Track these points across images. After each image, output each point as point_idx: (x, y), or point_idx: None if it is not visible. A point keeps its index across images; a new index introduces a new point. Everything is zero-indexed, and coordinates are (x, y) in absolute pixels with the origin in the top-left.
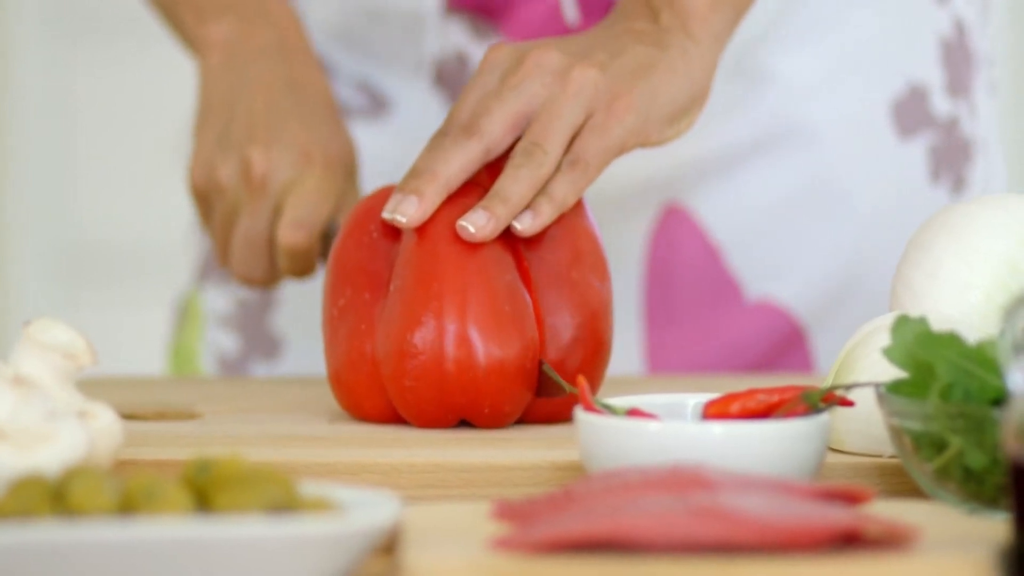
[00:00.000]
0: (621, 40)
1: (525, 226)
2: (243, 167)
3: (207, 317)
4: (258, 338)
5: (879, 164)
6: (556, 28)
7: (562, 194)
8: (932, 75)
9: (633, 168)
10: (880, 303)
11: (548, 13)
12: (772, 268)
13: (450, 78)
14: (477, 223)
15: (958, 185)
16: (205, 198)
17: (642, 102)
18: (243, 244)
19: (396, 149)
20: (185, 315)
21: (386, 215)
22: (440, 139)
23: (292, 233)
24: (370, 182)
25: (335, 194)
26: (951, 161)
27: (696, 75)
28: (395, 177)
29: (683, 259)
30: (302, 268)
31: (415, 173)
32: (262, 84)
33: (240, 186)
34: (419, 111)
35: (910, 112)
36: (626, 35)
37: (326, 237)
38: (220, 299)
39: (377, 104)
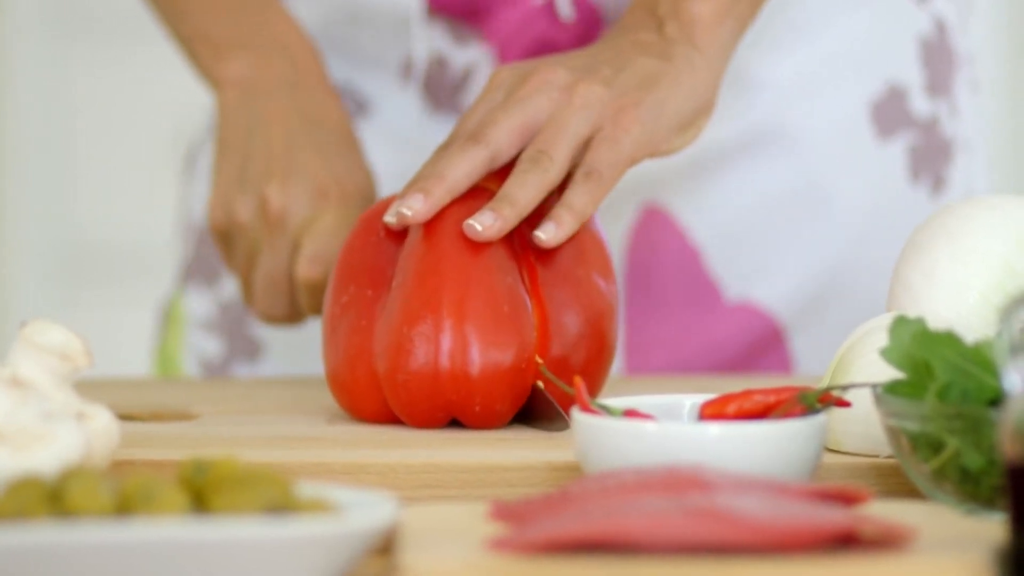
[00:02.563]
0: (626, 53)
1: (549, 235)
2: (261, 204)
3: (189, 321)
4: (240, 341)
5: (859, 165)
6: (537, 31)
7: (581, 204)
8: (911, 75)
9: None
10: (860, 303)
11: (529, 16)
12: (752, 270)
13: (431, 81)
14: (484, 222)
15: (938, 185)
16: (226, 237)
17: (648, 114)
18: (264, 282)
19: (378, 151)
20: (168, 319)
21: (388, 218)
22: (445, 149)
23: (310, 268)
24: None
25: (351, 228)
26: (931, 161)
27: (701, 85)
28: (377, 177)
29: (663, 260)
30: (322, 304)
31: (422, 176)
32: (278, 120)
33: (259, 224)
34: (400, 114)
35: (889, 112)
36: (631, 48)
37: None
38: (202, 303)
39: (358, 106)
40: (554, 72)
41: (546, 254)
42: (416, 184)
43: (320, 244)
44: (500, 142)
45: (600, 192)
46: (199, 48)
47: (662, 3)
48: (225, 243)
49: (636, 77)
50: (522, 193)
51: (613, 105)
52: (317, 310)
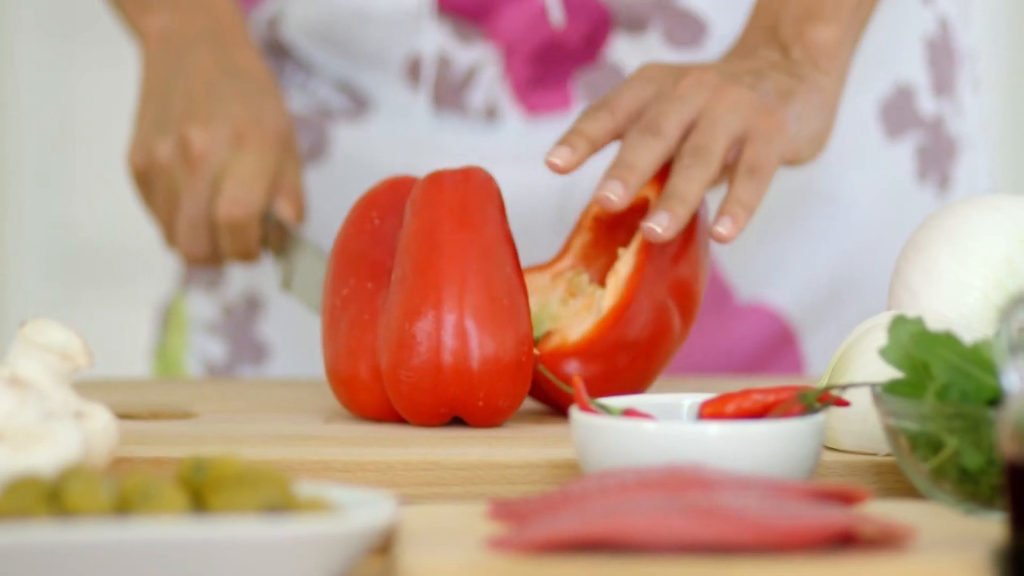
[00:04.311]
0: (759, 68)
1: (727, 229)
2: (182, 145)
3: (192, 323)
4: (245, 345)
5: (868, 166)
6: (539, 31)
7: (749, 199)
8: (918, 75)
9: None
10: (870, 303)
11: (532, 16)
12: (764, 271)
13: (433, 80)
14: (662, 223)
15: (943, 184)
16: (146, 179)
17: (791, 120)
18: (187, 224)
19: (378, 150)
20: (170, 320)
21: (553, 158)
22: (601, 115)
23: (231, 209)
24: (353, 184)
25: (270, 170)
26: (937, 160)
27: (827, 104)
28: (377, 177)
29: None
30: (244, 248)
31: (616, 163)
32: (199, 68)
33: (179, 164)
34: (401, 112)
35: (897, 113)
36: (763, 65)
37: (266, 221)
38: (205, 306)
39: (359, 104)
40: (706, 73)
41: (658, 260)
42: (614, 171)
43: (240, 186)
44: (673, 135)
45: (764, 187)
46: (125, 2)
47: (784, 29)
48: (145, 186)
49: (775, 89)
50: (690, 188)
51: (760, 108)
52: (238, 252)
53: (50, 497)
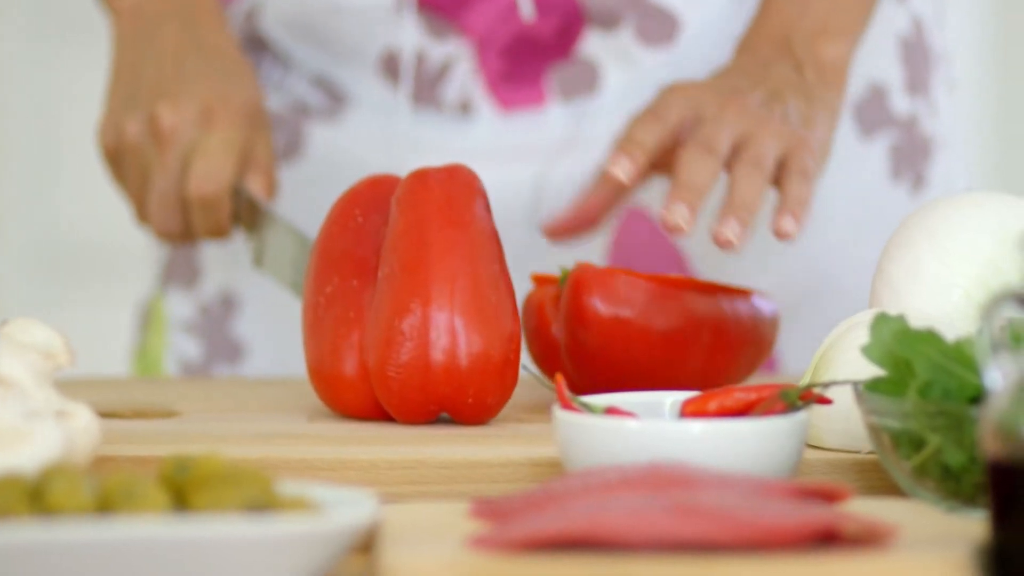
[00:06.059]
0: (781, 93)
1: (790, 227)
2: (151, 123)
3: (170, 323)
4: (221, 344)
5: (841, 165)
6: (512, 26)
7: (803, 194)
8: (892, 74)
9: (595, 170)
10: (844, 303)
11: (504, 10)
12: (736, 270)
13: (406, 74)
14: (735, 231)
15: (917, 183)
16: (116, 158)
17: (815, 146)
18: (158, 201)
19: (354, 146)
20: (149, 320)
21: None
22: (652, 125)
23: (200, 184)
24: (329, 180)
25: (240, 146)
26: (911, 159)
27: (833, 118)
28: (353, 173)
29: (646, 261)
30: (215, 224)
31: (679, 184)
32: (169, 45)
33: (149, 142)
34: (377, 107)
35: (871, 112)
36: (783, 87)
37: (236, 197)
38: (183, 305)
39: (335, 100)
40: (746, 99)
41: (727, 299)
42: (679, 193)
43: (210, 162)
44: (726, 154)
45: (813, 184)
46: None
47: (798, 45)
48: (116, 164)
49: (799, 116)
50: (749, 192)
51: (794, 137)
52: (209, 229)
53: (32, 496)
